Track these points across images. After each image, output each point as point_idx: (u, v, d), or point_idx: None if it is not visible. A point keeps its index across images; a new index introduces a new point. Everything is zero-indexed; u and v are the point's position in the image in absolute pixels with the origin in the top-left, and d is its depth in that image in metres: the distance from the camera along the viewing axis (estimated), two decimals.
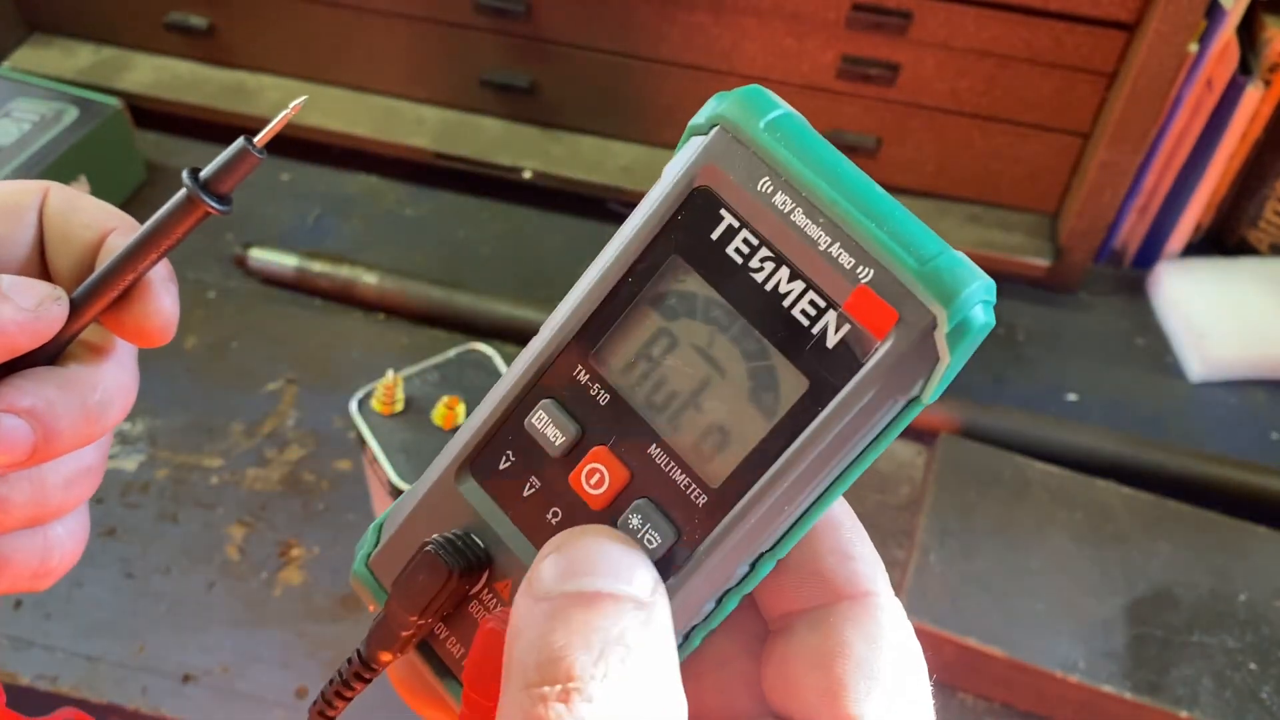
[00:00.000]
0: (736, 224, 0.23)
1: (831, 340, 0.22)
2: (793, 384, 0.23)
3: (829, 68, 0.89)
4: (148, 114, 1.01)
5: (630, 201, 0.98)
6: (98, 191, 0.93)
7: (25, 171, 0.87)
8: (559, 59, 0.95)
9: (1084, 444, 0.80)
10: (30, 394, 0.29)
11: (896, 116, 0.91)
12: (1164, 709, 0.64)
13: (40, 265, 0.32)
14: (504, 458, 0.25)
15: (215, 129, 1.02)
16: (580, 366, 0.25)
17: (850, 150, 0.93)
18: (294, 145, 1.01)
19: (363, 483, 0.74)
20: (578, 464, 0.25)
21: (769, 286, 0.23)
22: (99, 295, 0.31)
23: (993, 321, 0.22)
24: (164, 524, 0.75)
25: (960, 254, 0.22)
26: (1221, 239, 0.98)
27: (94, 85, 1.00)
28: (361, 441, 0.63)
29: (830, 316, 0.22)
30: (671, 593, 0.23)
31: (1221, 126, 0.88)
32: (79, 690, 0.66)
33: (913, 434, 0.82)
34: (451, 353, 0.66)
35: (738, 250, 0.23)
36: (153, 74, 1.03)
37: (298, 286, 0.89)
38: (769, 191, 0.23)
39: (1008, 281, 0.95)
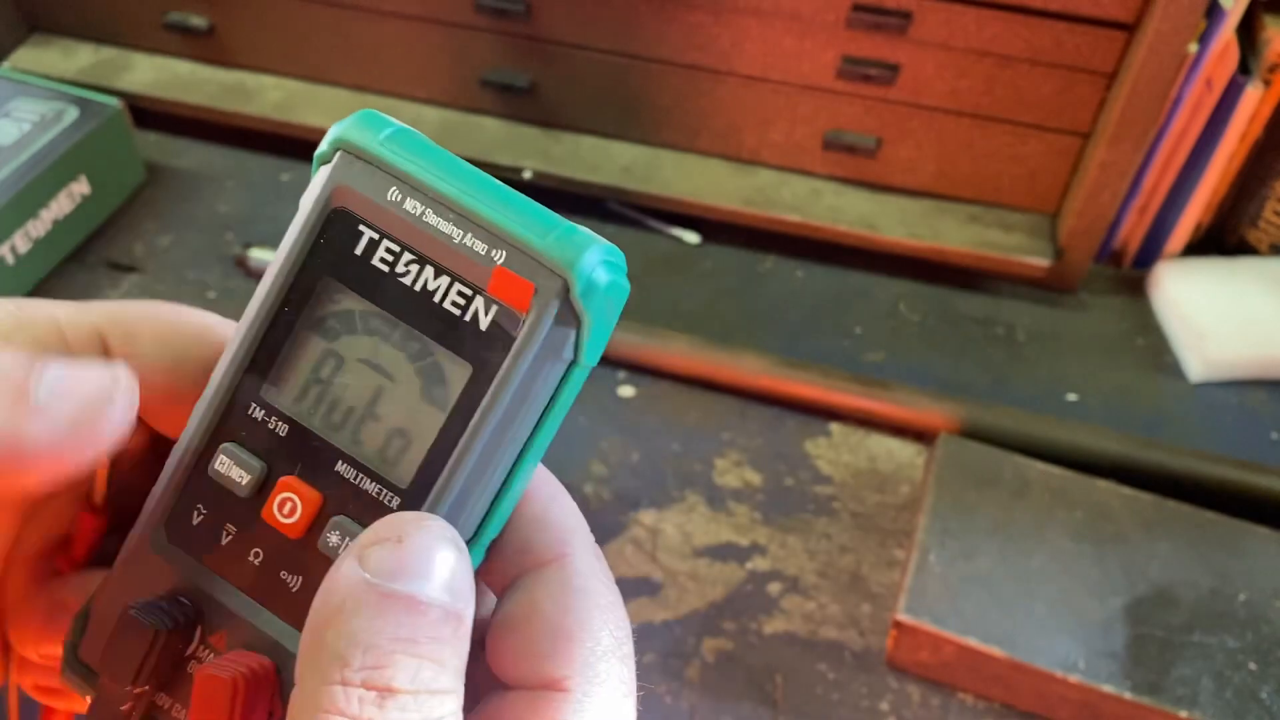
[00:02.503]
0: (376, 236, 0.24)
1: (484, 323, 0.24)
2: (458, 373, 0.24)
3: (829, 68, 0.89)
4: (148, 114, 1.01)
5: (630, 201, 0.99)
6: (98, 192, 0.93)
7: (25, 172, 0.87)
8: (559, 59, 0.95)
9: (1084, 444, 0.80)
10: None
11: (896, 116, 0.91)
12: (1164, 709, 0.64)
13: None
14: (195, 512, 0.25)
15: (215, 129, 1.02)
16: (254, 404, 0.25)
17: (850, 150, 0.94)
18: (294, 145, 1.01)
19: None
20: (268, 499, 0.25)
21: (418, 287, 0.24)
22: None
23: (620, 282, 0.24)
24: None
25: (583, 228, 0.24)
26: (1221, 239, 0.98)
27: (94, 85, 1.00)
28: None
29: (478, 301, 0.24)
30: None
31: (1221, 126, 0.88)
32: None
33: (913, 434, 0.82)
34: None
35: (383, 260, 0.24)
36: (153, 74, 1.03)
37: None
38: (399, 200, 0.24)
39: (1007, 281, 0.95)
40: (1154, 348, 0.92)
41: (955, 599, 0.68)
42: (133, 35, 1.04)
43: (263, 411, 0.25)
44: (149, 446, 0.28)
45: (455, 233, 0.24)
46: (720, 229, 0.97)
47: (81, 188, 0.91)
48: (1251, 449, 0.83)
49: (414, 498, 0.24)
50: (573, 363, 0.24)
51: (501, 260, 0.24)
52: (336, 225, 0.25)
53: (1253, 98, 0.86)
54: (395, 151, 0.25)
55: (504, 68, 0.97)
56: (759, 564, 0.75)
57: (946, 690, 0.69)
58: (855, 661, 0.70)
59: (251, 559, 0.25)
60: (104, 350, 0.25)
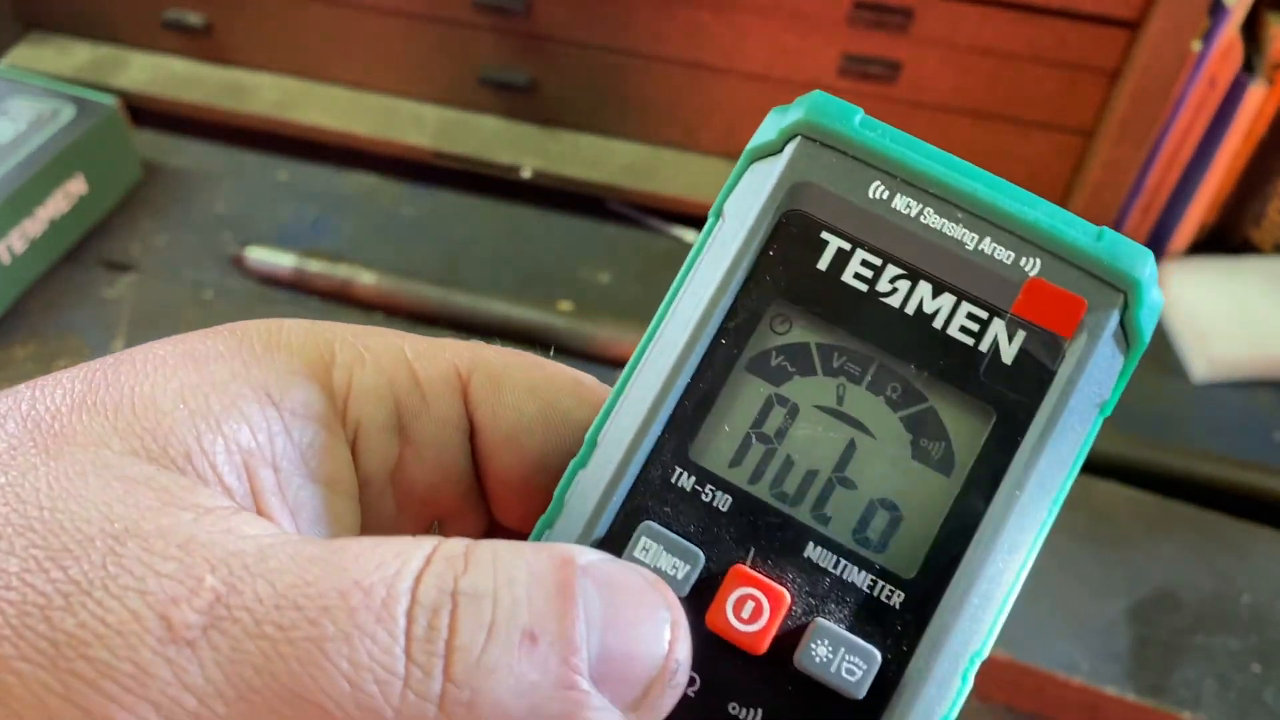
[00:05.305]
0: (848, 246, 0.19)
1: (1007, 354, 0.19)
2: (970, 422, 0.19)
3: (830, 65, 0.88)
4: (145, 112, 1.01)
5: (630, 200, 0.98)
6: (94, 191, 0.92)
7: (21, 171, 0.86)
8: (558, 57, 0.94)
9: None
10: None
11: (898, 115, 0.90)
12: (1167, 711, 0.63)
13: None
14: None
15: (213, 128, 1.02)
16: (679, 468, 0.19)
17: None
18: (292, 144, 1.01)
19: None
20: (715, 598, 0.19)
21: (910, 310, 0.19)
22: None
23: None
24: None
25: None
26: (1225, 238, 0.97)
27: (91, 83, 0.99)
28: None
29: (998, 326, 0.19)
30: None
31: (1225, 125, 0.87)
32: None
33: None
34: None
35: (858, 276, 0.19)
36: (150, 72, 1.03)
37: (295, 286, 0.89)
38: (884, 197, 0.19)
39: None
40: (1157, 348, 0.91)
41: None
42: (130, 33, 1.04)
43: (693, 479, 0.19)
44: (483, 534, 0.22)
45: (968, 237, 0.19)
46: None
47: (78, 187, 0.91)
48: (1255, 449, 0.83)
49: (924, 593, 0.18)
50: (1103, 403, 0.19)
51: (1036, 270, 0.18)
52: (790, 233, 0.20)
53: (1256, 96, 0.85)
54: (880, 134, 0.19)
55: (503, 66, 0.96)
56: None
57: None
58: None
59: (687, 691, 0.19)
60: (463, 394, 0.20)
